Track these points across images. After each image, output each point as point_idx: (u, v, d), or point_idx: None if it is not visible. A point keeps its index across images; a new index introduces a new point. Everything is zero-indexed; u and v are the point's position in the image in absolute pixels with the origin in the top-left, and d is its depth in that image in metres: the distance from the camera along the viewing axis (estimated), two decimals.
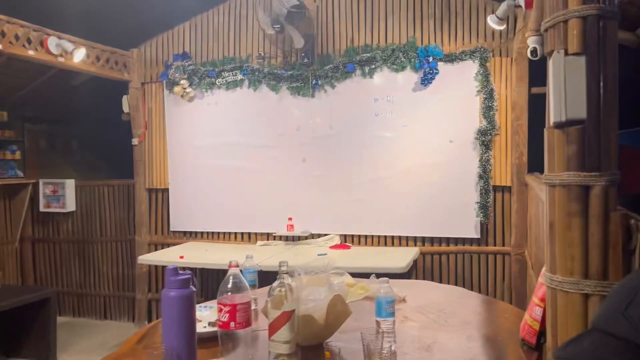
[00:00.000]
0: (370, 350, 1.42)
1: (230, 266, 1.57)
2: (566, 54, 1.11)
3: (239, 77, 4.62)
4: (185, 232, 4.92)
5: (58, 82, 4.95)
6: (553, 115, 1.12)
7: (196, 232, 4.89)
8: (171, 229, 4.95)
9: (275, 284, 1.52)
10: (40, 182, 5.23)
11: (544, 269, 1.50)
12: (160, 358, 1.40)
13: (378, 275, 1.89)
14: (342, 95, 4.38)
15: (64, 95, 5.26)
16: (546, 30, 1.18)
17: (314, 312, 1.59)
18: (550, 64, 1.15)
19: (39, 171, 5.37)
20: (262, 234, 4.67)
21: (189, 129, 4.82)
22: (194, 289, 1.46)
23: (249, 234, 4.73)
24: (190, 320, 1.45)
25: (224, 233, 4.81)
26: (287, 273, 1.53)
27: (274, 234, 4.59)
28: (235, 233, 4.78)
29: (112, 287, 5.22)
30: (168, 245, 4.82)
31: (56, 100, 5.38)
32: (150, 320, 4.96)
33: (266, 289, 2.19)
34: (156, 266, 4.88)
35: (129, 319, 5.14)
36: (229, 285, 1.53)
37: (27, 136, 5.26)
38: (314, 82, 4.40)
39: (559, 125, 1.12)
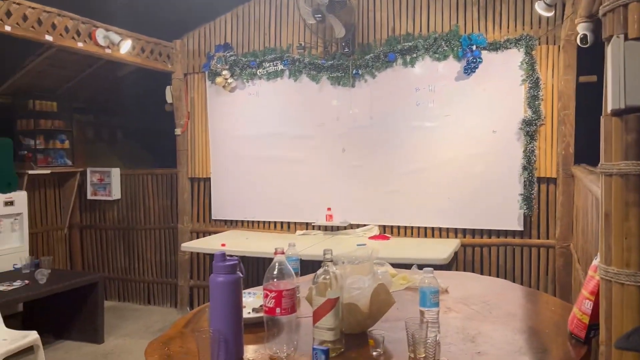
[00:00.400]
0: (414, 340, 1.42)
1: (276, 253, 1.59)
2: (626, 38, 1.07)
3: (280, 67, 4.64)
4: (226, 221, 5.00)
5: (104, 74, 5.10)
6: (611, 102, 1.09)
7: (237, 221, 4.96)
8: (212, 218, 5.04)
9: (319, 271, 1.53)
10: (88, 170, 5.40)
11: (595, 261, 1.46)
12: (208, 341, 1.43)
13: (419, 267, 1.88)
14: (383, 85, 4.35)
15: (110, 86, 5.40)
16: (604, 14, 1.14)
17: (358, 301, 1.59)
18: (609, 49, 1.11)
19: (87, 160, 5.55)
20: (301, 223, 4.71)
21: (231, 119, 4.88)
22: (241, 275, 1.49)
23: (289, 223, 4.77)
24: (237, 305, 1.48)
25: (264, 222, 4.86)
26: (331, 261, 1.54)
27: (313, 224, 4.62)
28: (275, 222, 4.83)
29: (156, 273, 5.36)
30: (209, 234, 4.92)
31: (102, 91, 5.53)
32: (192, 307, 5.08)
33: (307, 277, 2.21)
34: (198, 254, 4.98)
35: (171, 305, 5.28)
36: (275, 272, 1.55)
37: (75, 126, 5.44)
38: (354, 71, 4.38)
39: (617, 113, 1.09)
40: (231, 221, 4.99)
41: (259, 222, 4.88)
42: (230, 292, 1.46)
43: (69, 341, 4.19)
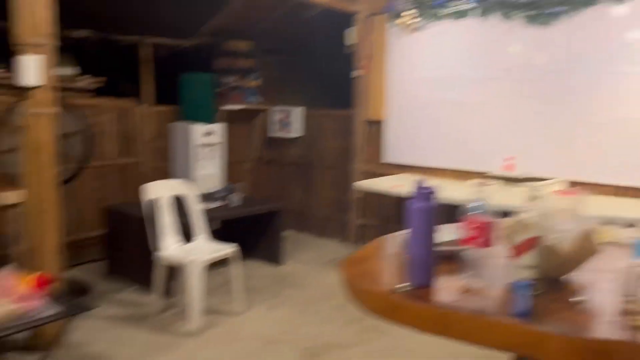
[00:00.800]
0: (628, 290, 1.32)
1: (475, 185, 1.57)
2: None
3: (469, 5, 4.40)
4: (398, 165, 5.05)
5: (293, 16, 5.33)
6: None
7: (408, 165, 4.97)
8: (384, 161, 5.12)
9: (522, 210, 1.48)
10: (273, 108, 5.80)
11: None
12: (391, 266, 1.48)
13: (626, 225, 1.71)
14: (583, 25, 3.91)
15: (296, 28, 5.64)
16: None
17: (560, 243, 1.52)
18: None
19: (273, 99, 5.95)
20: (476, 172, 4.55)
21: (410, 61, 4.82)
22: (437, 203, 1.50)
23: (464, 171, 4.65)
24: (432, 232, 1.50)
25: (437, 168, 4.80)
26: (536, 199, 1.48)
27: (489, 173, 4.44)
28: (449, 169, 4.73)
29: (329, 209, 5.66)
30: (380, 176, 5.01)
31: (289, 33, 5.81)
32: (360, 243, 5.30)
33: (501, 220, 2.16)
34: (368, 194, 5.12)
35: (342, 239, 5.56)
36: (472, 206, 1.54)
37: (265, 66, 5.82)
38: (551, 9, 4.00)
39: None
40: (402, 165, 5.01)
41: (431, 167, 4.83)
42: (427, 219, 1.49)
43: (252, 260, 4.67)
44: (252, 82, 5.69)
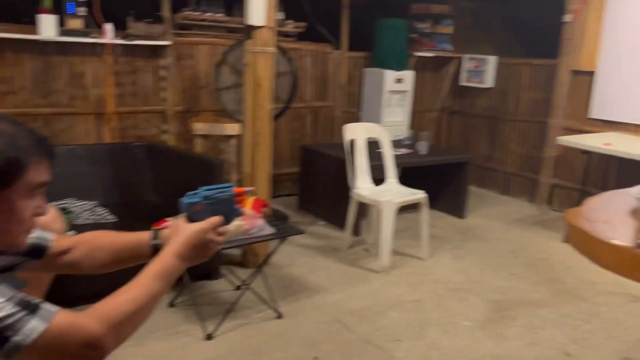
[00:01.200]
0: None
1: None
2: None
3: None
4: (606, 121, 4.55)
5: None
6: None
7: (620, 123, 4.45)
8: (590, 116, 4.65)
9: None
10: (465, 57, 5.58)
11: None
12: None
13: None
14: None
15: None
16: None
17: None
18: None
19: (464, 47, 5.71)
20: None
21: (635, 6, 4.23)
22: None
23: None
24: None
25: None
26: None
27: None
28: None
29: (516, 165, 5.37)
30: (582, 132, 4.57)
31: None
32: (551, 205, 4.97)
33: None
34: (567, 152, 4.73)
35: (528, 199, 5.26)
36: None
37: (459, 12, 5.58)
38: None
39: None
40: (613, 122, 4.50)
41: None
42: None
43: (435, 210, 4.65)
44: (445, 29, 5.51)
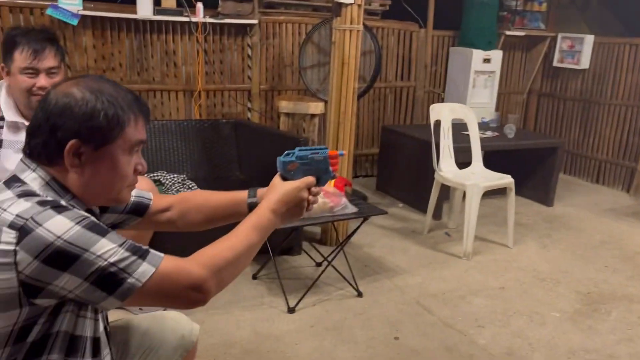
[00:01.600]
0: None
1: None
2: None
3: None
4: None
5: None
6: None
7: None
8: None
9: None
10: (559, 36, 5.26)
11: None
12: None
13: None
14: None
15: None
16: None
17: None
18: None
19: (558, 26, 5.39)
20: None
21: None
22: None
23: None
24: None
25: None
26: None
27: None
28: None
29: (611, 152, 5.04)
30: None
31: None
32: None
33: None
34: None
35: (623, 189, 4.93)
36: None
37: None
38: None
39: None
40: None
41: None
42: None
43: (520, 197, 4.47)
44: (538, 6, 5.21)
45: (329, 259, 2.85)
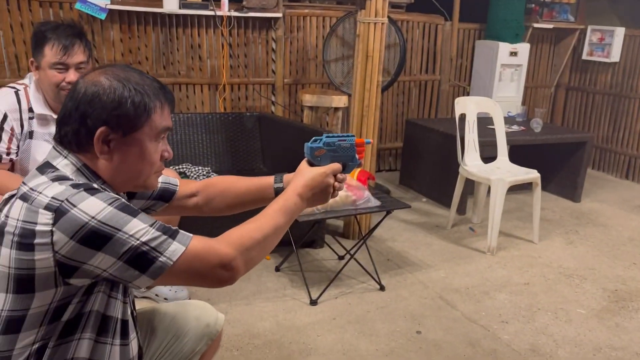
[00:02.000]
0: None
1: None
2: None
3: None
4: None
5: None
6: None
7: None
8: None
9: None
10: (589, 28, 5.15)
11: None
12: None
13: None
14: None
15: None
16: None
17: None
18: None
19: (587, 18, 5.27)
20: None
21: None
22: None
23: None
24: None
25: None
26: None
27: None
28: None
29: None
30: None
31: None
32: None
33: None
34: None
35: None
36: None
37: None
38: None
39: None
40: None
41: None
42: None
43: (546, 192, 4.40)
44: None
45: (352, 252, 2.85)
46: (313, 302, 2.62)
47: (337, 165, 1.26)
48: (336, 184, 1.25)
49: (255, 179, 1.39)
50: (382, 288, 2.80)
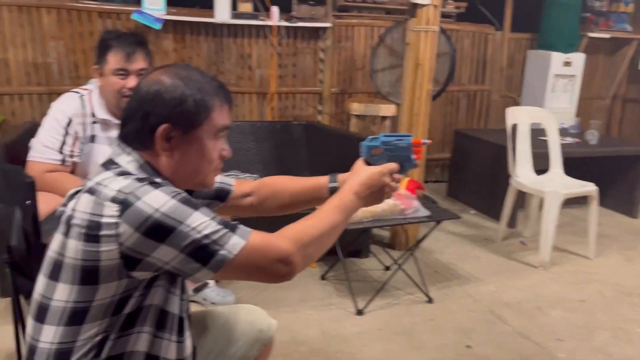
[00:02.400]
0: None
1: None
2: None
3: None
4: None
5: None
6: None
7: None
8: None
9: None
10: None
11: None
12: None
13: None
14: None
15: None
16: None
17: None
18: None
19: None
20: None
21: None
22: None
23: None
24: None
25: None
26: None
27: None
28: None
29: None
30: None
31: None
32: None
33: None
34: None
35: None
36: None
37: None
38: None
39: None
40: None
41: None
42: None
43: (601, 207, 4.21)
44: (624, 7, 4.92)
45: (399, 262, 2.80)
46: (359, 312, 2.59)
47: (393, 165, 1.24)
48: (392, 183, 1.23)
49: (310, 179, 1.39)
50: (430, 300, 2.74)
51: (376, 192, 1.22)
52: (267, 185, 1.41)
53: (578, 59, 4.64)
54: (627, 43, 5.08)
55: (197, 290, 2.56)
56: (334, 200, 1.16)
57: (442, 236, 3.59)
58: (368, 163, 1.26)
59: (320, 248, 1.09)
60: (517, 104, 4.89)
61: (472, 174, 4.21)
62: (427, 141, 1.35)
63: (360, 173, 1.22)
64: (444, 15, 4.46)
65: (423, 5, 2.96)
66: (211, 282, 2.57)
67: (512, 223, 3.74)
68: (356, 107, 3.74)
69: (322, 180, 1.36)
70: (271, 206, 1.41)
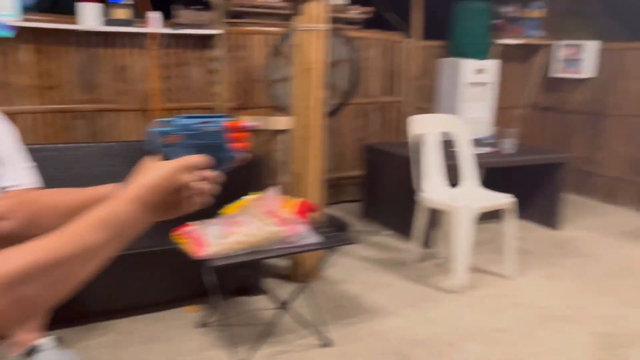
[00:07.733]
0: None
1: None
2: None
3: None
4: None
5: None
6: None
7: None
8: None
9: None
10: (558, 44, 4.84)
11: None
12: None
13: None
14: None
15: None
16: None
17: None
18: None
19: (555, 33, 4.98)
20: None
21: None
22: None
23: None
24: None
25: None
26: None
27: None
28: None
29: (623, 169, 4.55)
30: None
31: None
32: None
33: None
34: None
35: (638, 208, 4.43)
36: None
37: None
38: None
39: None
40: None
41: None
42: None
43: (523, 220, 3.97)
44: (535, 13, 4.81)
45: (289, 300, 2.36)
46: None
47: (196, 157, 0.79)
48: (197, 184, 0.79)
49: (89, 191, 0.95)
50: (327, 343, 2.31)
51: (171, 197, 0.77)
52: (32, 203, 0.98)
53: (491, 66, 4.43)
54: (540, 49, 4.96)
55: (29, 354, 2.00)
56: (98, 212, 0.73)
57: (349, 263, 3.18)
58: (165, 157, 0.81)
59: (57, 285, 0.67)
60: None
61: (385, 191, 3.87)
62: (257, 123, 0.92)
63: (147, 172, 0.78)
64: (349, 22, 4.16)
65: (308, 1, 2.59)
66: (48, 344, 2.03)
67: (428, 243, 3.40)
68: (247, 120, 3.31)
69: (105, 191, 0.91)
70: (35, 233, 0.94)
